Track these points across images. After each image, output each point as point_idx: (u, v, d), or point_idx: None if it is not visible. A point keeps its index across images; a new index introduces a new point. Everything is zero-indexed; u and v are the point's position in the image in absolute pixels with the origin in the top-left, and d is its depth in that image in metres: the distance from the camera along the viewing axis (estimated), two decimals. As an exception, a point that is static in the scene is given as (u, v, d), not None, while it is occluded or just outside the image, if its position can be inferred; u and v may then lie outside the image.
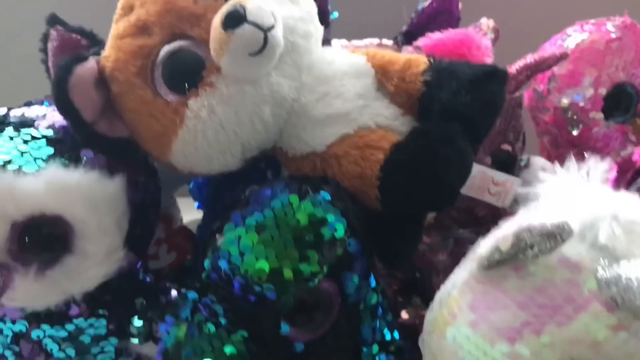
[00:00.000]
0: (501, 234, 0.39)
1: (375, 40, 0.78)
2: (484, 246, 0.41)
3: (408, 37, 0.77)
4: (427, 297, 0.70)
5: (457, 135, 0.47)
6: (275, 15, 0.46)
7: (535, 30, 0.76)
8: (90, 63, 0.49)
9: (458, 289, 0.42)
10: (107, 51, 0.51)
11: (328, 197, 0.46)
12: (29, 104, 0.54)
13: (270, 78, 0.49)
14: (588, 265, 0.39)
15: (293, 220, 0.45)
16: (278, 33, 0.46)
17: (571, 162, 0.44)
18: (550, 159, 0.75)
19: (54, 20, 0.66)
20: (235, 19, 0.45)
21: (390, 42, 0.78)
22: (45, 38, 0.68)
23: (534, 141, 0.76)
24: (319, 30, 0.53)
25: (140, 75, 0.49)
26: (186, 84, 0.48)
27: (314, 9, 0.53)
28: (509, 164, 0.64)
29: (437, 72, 0.51)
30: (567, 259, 0.39)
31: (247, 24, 0.45)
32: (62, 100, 0.47)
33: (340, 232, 0.46)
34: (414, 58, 0.53)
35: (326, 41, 0.76)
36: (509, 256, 0.39)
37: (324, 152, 0.51)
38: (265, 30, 0.45)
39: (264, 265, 0.43)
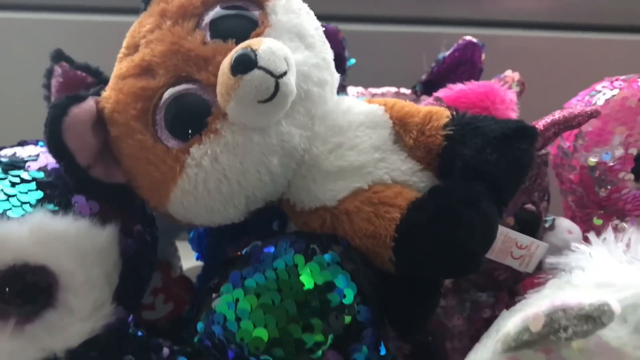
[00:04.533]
0: (531, 312, 0.35)
1: (393, 89, 0.75)
2: (511, 324, 0.36)
3: (427, 87, 0.75)
4: (439, 363, 0.65)
5: (482, 197, 0.43)
6: (288, 60, 0.43)
7: (562, 84, 0.73)
8: (89, 103, 0.46)
9: (479, 371, 0.37)
10: (108, 92, 0.48)
11: (337, 258, 0.42)
12: (22, 143, 0.51)
13: (280, 127, 0.45)
14: (630, 353, 0.34)
15: (297, 283, 0.40)
16: (291, 80, 0.43)
17: (609, 232, 0.39)
18: (575, 219, 0.71)
19: (58, 56, 0.64)
20: (245, 63, 0.42)
21: (408, 91, 0.75)
22: (49, 74, 0.66)
23: (557, 198, 0.72)
24: (334, 77, 0.50)
25: (140, 119, 0.46)
26: (189, 130, 0.45)
27: (330, 56, 0.50)
28: (533, 224, 0.60)
29: (460, 126, 0.47)
30: (605, 343, 0.35)
31: (258, 70, 0.42)
32: (54, 141, 0.44)
33: (349, 298, 0.41)
34: (435, 110, 0.49)
35: (342, 88, 0.74)
36: (540, 337, 0.35)
37: (335, 207, 0.47)
38: (277, 77, 0.42)
39: (262, 333, 0.39)
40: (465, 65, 0.73)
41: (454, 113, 0.49)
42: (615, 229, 0.41)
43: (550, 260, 0.42)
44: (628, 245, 0.39)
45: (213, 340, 0.41)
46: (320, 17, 0.52)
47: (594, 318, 0.32)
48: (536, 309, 0.34)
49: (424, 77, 0.75)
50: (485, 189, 0.44)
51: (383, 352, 0.46)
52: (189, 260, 0.72)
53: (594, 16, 0.92)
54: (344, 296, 0.41)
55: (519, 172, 0.46)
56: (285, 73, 0.42)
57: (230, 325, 0.40)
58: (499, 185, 0.44)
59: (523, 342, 0.35)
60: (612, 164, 0.65)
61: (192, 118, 0.45)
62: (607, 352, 0.34)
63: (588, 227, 0.70)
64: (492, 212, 0.43)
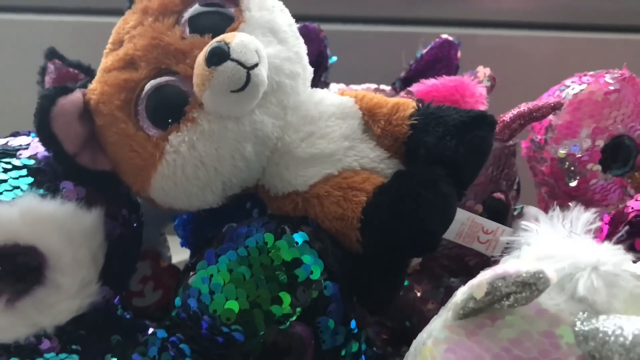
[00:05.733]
0: (475, 281, 0.38)
1: (373, 86, 0.78)
2: (459, 293, 0.39)
3: (406, 83, 0.78)
4: (416, 348, 0.68)
5: (440, 180, 0.46)
6: (260, 53, 0.46)
7: (533, 81, 0.76)
8: (76, 95, 0.49)
9: (433, 338, 0.40)
10: (94, 84, 0.51)
11: (305, 237, 0.45)
12: (15, 134, 0.54)
13: (253, 116, 0.48)
14: (566, 318, 0.37)
15: (266, 259, 0.43)
16: (262, 71, 0.46)
17: (555, 211, 0.42)
18: (547, 210, 0.74)
19: (52, 54, 0.67)
20: (218, 55, 0.45)
21: (388, 88, 0.79)
22: (43, 71, 0.69)
23: (532, 191, 0.75)
24: (307, 71, 0.53)
25: (123, 109, 0.49)
26: (169, 119, 0.48)
27: (303, 50, 0.53)
28: (502, 212, 0.63)
29: (425, 116, 0.50)
30: (544, 310, 0.38)
31: (230, 61, 0.45)
32: (43, 130, 0.47)
33: (316, 274, 0.44)
34: (403, 102, 0.52)
35: (324, 84, 0.77)
36: (484, 304, 0.38)
37: (306, 192, 0.50)
38: (249, 68, 0.45)
39: (233, 305, 0.42)
40: (441, 62, 0.76)
41: (420, 104, 0.52)
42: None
43: (505, 239, 0.45)
44: (572, 222, 0.42)
45: (188, 312, 0.44)
46: (304, 18, 0.55)
47: (530, 284, 0.35)
48: (480, 278, 0.37)
49: (402, 74, 0.78)
50: (444, 173, 0.47)
51: (355, 331, 0.49)
52: (180, 253, 0.75)
53: (567, 16, 0.95)
54: (311, 272, 0.44)
55: (477, 157, 0.49)
56: (256, 65, 0.46)
57: (204, 298, 0.43)
58: (458, 169, 0.47)
59: (470, 309, 0.38)
60: (580, 155, 0.68)
61: (171, 108, 0.48)
62: (546, 318, 0.37)
63: (560, 218, 0.73)
64: (450, 193, 0.46)
